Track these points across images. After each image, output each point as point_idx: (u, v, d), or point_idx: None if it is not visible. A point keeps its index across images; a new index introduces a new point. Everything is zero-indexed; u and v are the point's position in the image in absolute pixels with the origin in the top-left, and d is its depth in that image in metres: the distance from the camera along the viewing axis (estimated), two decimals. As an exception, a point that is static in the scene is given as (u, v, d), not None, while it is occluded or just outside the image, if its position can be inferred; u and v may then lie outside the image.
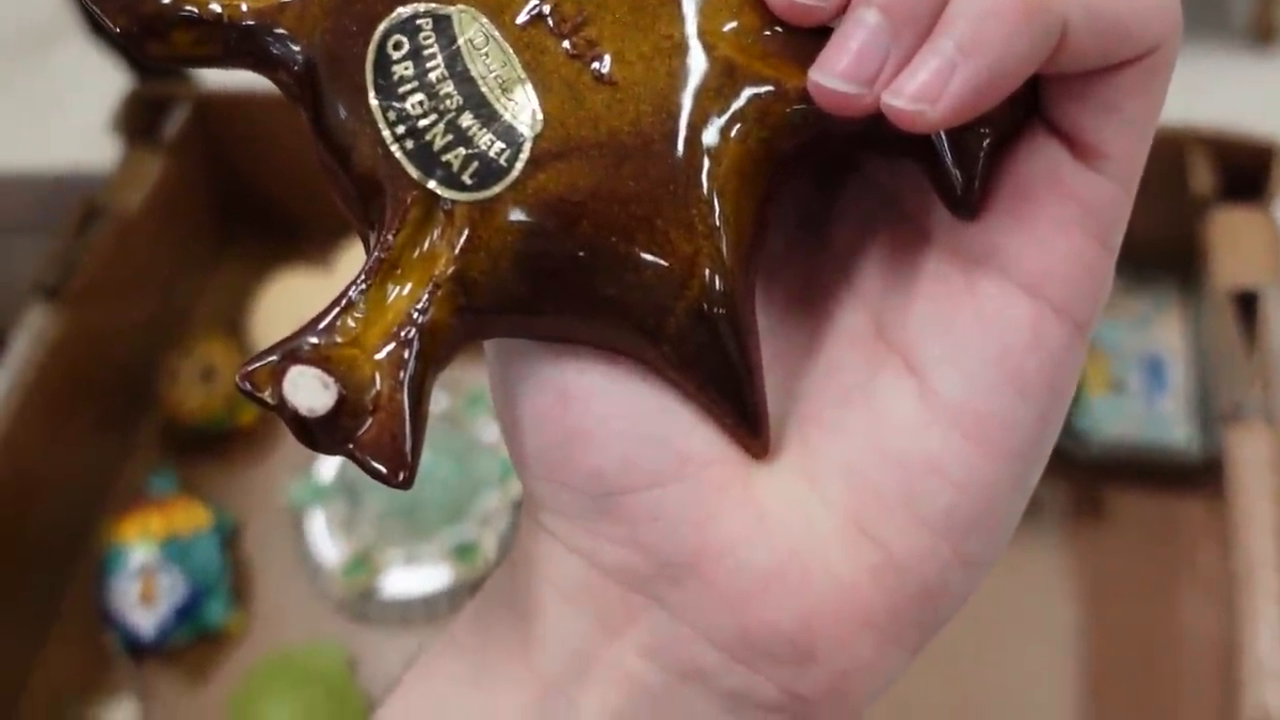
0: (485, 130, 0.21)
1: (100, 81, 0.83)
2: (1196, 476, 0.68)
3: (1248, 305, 0.60)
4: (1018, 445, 0.20)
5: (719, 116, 0.21)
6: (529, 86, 0.21)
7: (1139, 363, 0.71)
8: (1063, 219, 0.20)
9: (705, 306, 0.21)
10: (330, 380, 0.20)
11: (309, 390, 0.20)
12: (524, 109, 0.21)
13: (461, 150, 0.20)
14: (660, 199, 0.21)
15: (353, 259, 0.81)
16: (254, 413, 0.77)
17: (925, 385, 0.21)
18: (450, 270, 0.20)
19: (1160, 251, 0.72)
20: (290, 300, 0.80)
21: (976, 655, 0.65)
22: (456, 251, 0.20)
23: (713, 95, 0.21)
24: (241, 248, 0.85)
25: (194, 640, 0.69)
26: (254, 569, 0.72)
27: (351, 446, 0.20)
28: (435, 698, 0.24)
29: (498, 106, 0.21)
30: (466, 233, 0.20)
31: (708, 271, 0.21)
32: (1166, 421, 0.69)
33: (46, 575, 0.71)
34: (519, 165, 0.20)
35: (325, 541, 0.71)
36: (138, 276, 0.77)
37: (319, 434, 0.20)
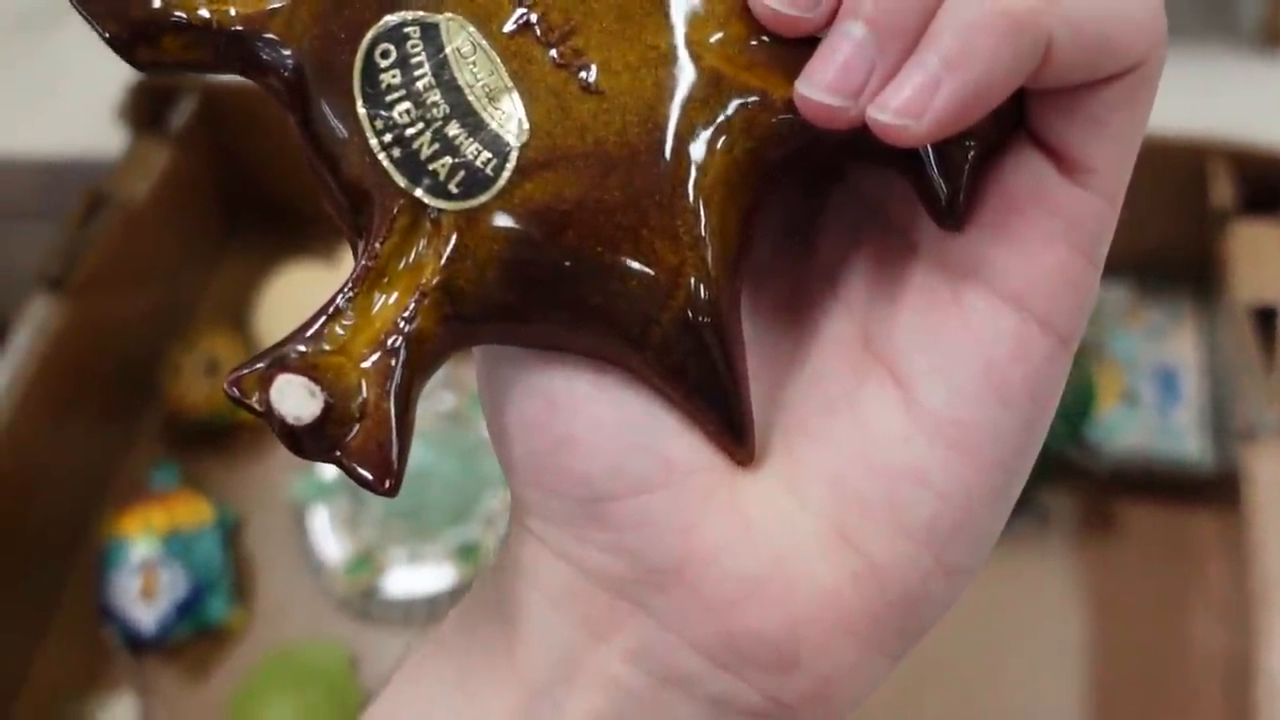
0: (472, 139, 0.21)
1: (100, 66, 0.82)
2: (1208, 490, 0.67)
3: (1267, 320, 0.59)
4: (1001, 456, 0.21)
5: (705, 127, 0.21)
6: (516, 95, 0.21)
7: (1152, 374, 0.71)
8: (1048, 233, 0.20)
9: (690, 316, 0.21)
10: (317, 389, 0.20)
11: (296, 398, 0.20)
12: (510, 118, 0.21)
13: (448, 159, 0.21)
14: (646, 209, 0.21)
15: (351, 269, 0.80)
16: (257, 407, 0.76)
17: (910, 396, 0.21)
18: (437, 279, 0.21)
19: (1175, 262, 0.71)
20: (295, 294, 0.80)
21: (982, 667, 0.64)
22: (443, 260, 0.21)
23: (699, 105, 0.21)
24: (247, 241, 0.85)
25: (194, 636, 0.69)
26: (256, 565, 0.72)
27: (338, 454, 0.20)
28: (422, 700, 0.24)
29: (484, 115, 0.21)
30: (453, 241, 0.21)
31: (693, 281, 0.21)
32: (1179, 434, 0.68)
33: (47, 569, 0.70)
34: (505, 174, 0.21)
35: (328, 539, 0.70)
36: (142, 268, 0.77)
37: (306, 441, 0.20)
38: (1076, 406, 0.65)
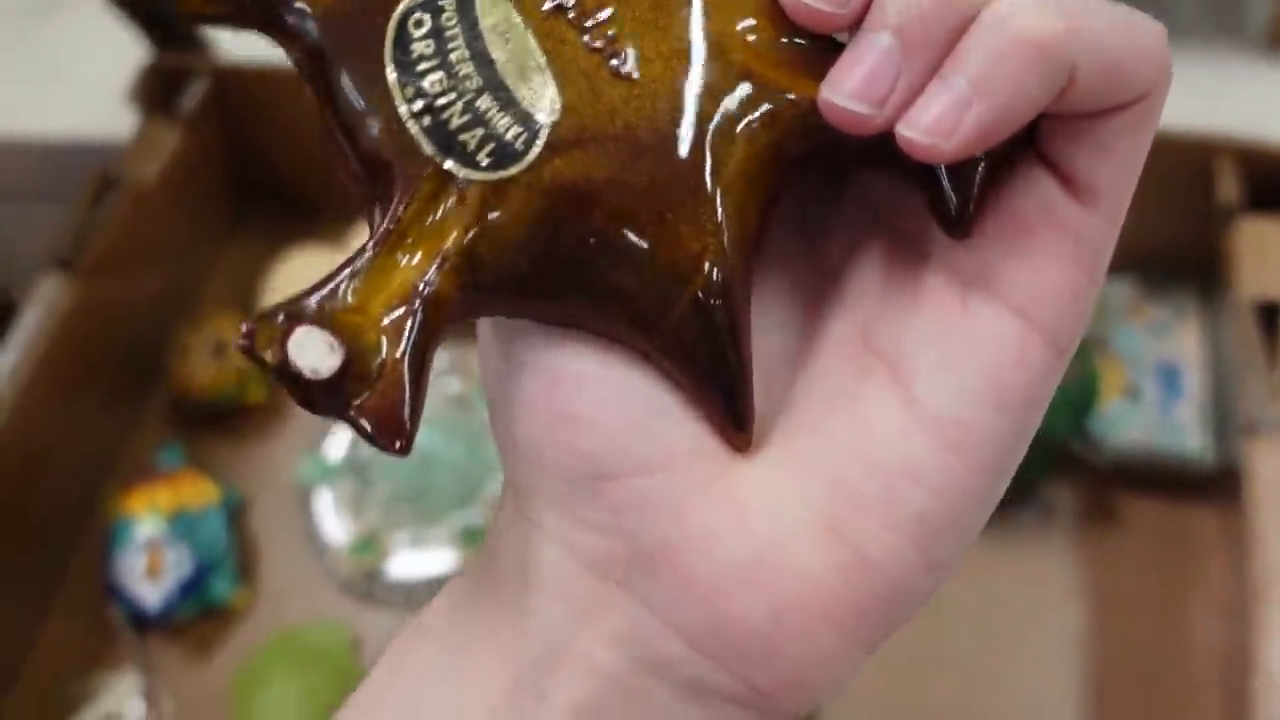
0: (503, 114, 0.21)
1: (109, 48, 0.83)
2: (1209, 485, 0.67)
3: (1270, 317, 0.59)
4: (993, 458, 0.21)
5: (731, 119, 0.21)
6: (548, 74, 0.21)
7: (1155, 370, 0.71)
8: (1056, 249, 0.21)
9: (707, 302, 0.21)
10: (336, 342, 0.20)
11: (316, 352, 0.20)
12: (542, 96, 0.21)
13: (479, 131, 0.21)
14: (673, 195, 0.21)
15: (366, 238, 0.80)
16: (264, 390, 0.76)
17: (911, 395, 0.21)
18: (459, 246, 0.21)
19: (1181, 259, 0.71)
20: (303, 277, 0.80)
21: (984, 658, 0.65)
22: (467, 228, 0.21)
23: (726, 98, 0.21)
24: (256, 223, 0.85)
25: (199, 615, 0.69)
26: (260, 546, 0.72)
27: (352, 412, 0.20)
28: (407, 686, 0.25)
29: (516, 91, 0.21)
30: (479, 211, 0.21)
31: (711, 267, 0.21)
32: (1181, 429, 0.69)
33: (53, 546, 0.71)
34: (535, 150, 0.21)
35: (332, 521, 0.71)
36: (151, 249, 0.77)
37: (319, 397, 0.20)
38: (1080, 400, 0.66)
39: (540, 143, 0.21)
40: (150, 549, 0.69)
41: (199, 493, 0.71)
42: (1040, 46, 0.19)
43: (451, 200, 0.21)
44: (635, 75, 0.21)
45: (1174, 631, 0.64)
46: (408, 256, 0.21)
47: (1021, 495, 0.69)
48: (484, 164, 0.21)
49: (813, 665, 0.22)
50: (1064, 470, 0.69)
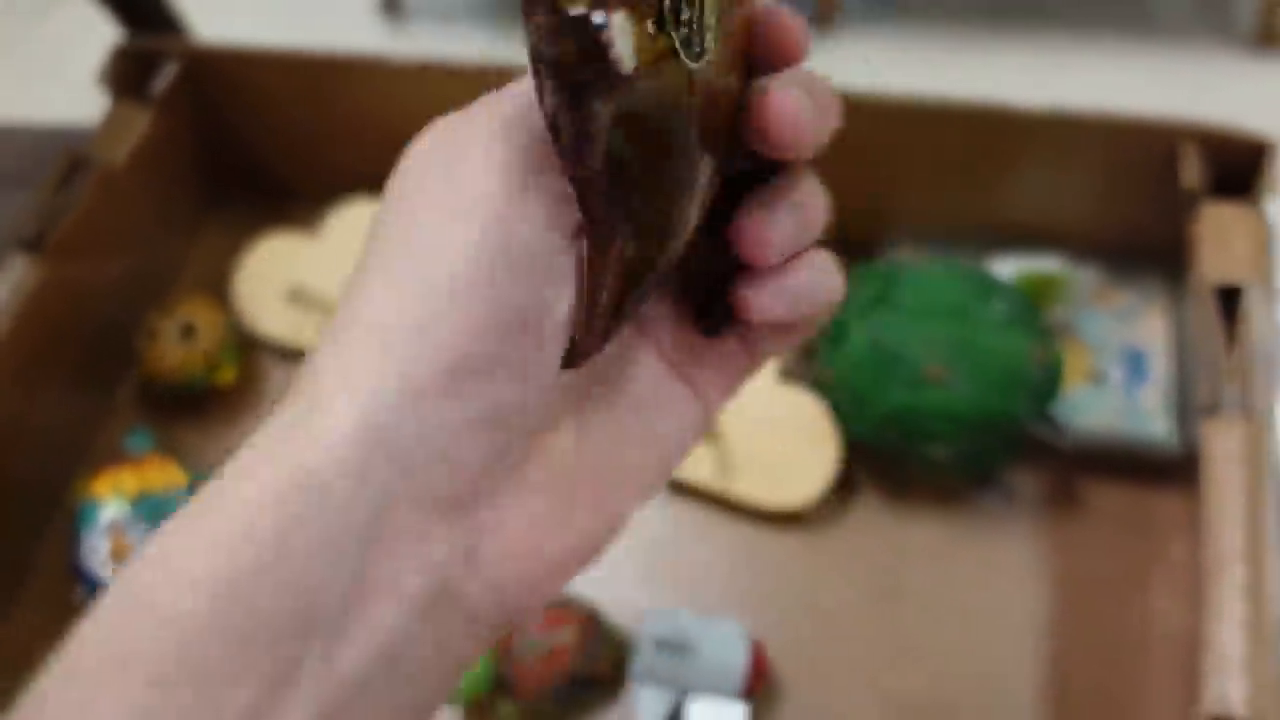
0: (699, 18, 0.24)
1: (99, 43, 0.83)
2: (1173, 470, 0.67)
3: (1231, 300, 0.59)
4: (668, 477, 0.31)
5: (715, 152, 0.26)
6: (717, 21, 0.25)
7: (1121, 355, 0.71)
8: (731, 375, 0.31)
9: (674, 254, 0.26)
10: (634, 49, 0.22)
11: (625, 42, 0.21)
12: (711, 33, 0.25)
13: (690, 13, 0.24)
14: (706, 173, 0.26)
15: (341, 224, 0.80)
16: (232, 373, 0.76)
17: (646, 418, 0.30)
18: (637, 70, 0.22)
19: (1148, 245, 0.71)
20: (275, 263, 0.80)
21: (949, 640, 0.65)
22: (642, 63, 0.23)
23: (714, 137, 0.26)
24: (227, 207, 0.85)
25: (164, 599, 0.69)
26: (227, 530, 0.72)
27: (597, 103, 0.22)
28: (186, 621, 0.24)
29: (707, 14, 0.25)
30: (654, 57, 0.23)
31: (691, 233, 0.27)
32: (1145, 414, 0.69)
33: (18, 530, 0.71)
34: (701, 63, 0.24)
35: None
36: (120, 232, 0.77)
37: (593, 74, 0.21)
38: (1044, 385, 0.66)
39: (704, 62, 0.24)
40: (114, 532, 0.69)
41: (165, 477, 0.71)
42: (833, 297, 0.29)
43: (652, 31, 0.23)
44: (717, 73, 0.25)
45: (1136, 616, 0.64)
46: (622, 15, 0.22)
47: (985, 479, 0.69)
48: (679, 34, 0.24)
49: (548, 598, 0.28)
50: (1028, 455, 0.69)
